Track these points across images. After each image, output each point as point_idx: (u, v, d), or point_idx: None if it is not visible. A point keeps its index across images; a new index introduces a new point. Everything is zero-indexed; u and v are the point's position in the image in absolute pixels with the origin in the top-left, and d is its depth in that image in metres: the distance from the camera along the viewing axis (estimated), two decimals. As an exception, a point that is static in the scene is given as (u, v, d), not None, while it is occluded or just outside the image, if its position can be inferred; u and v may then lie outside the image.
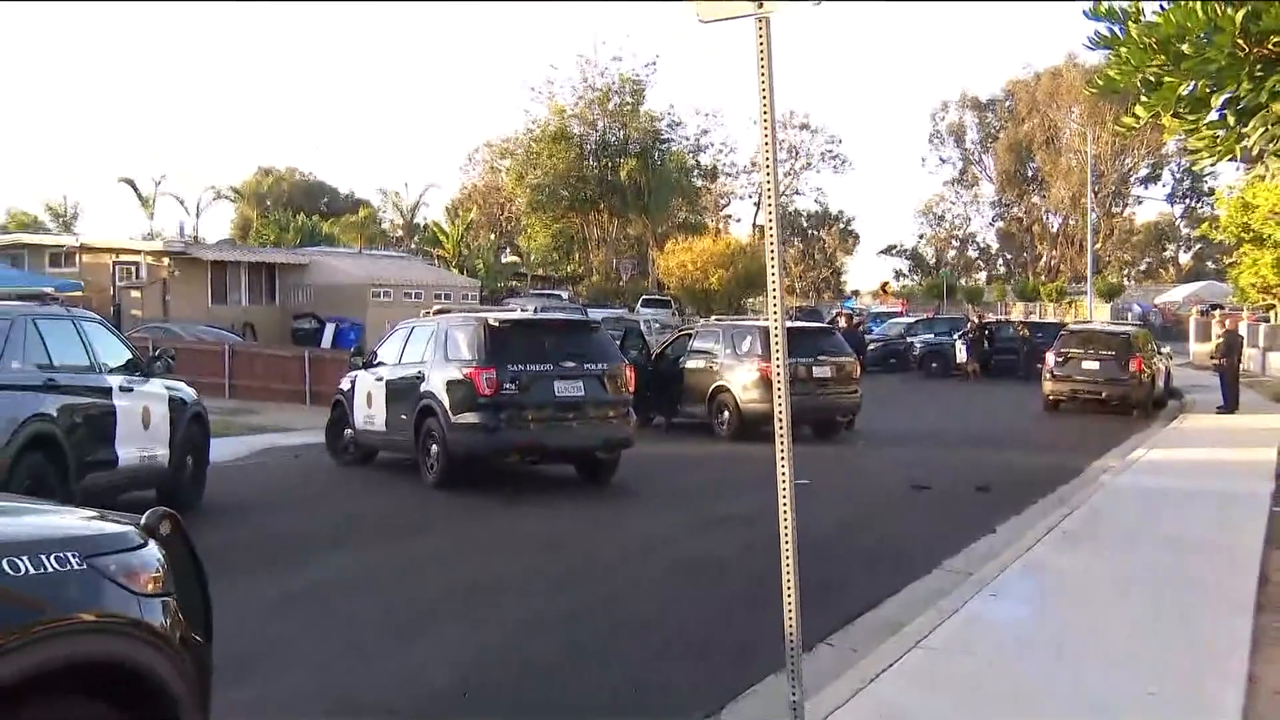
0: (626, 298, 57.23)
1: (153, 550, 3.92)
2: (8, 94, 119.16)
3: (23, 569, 3.37)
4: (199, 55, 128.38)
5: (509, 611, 8.70)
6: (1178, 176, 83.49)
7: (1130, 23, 5.75)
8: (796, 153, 79.30)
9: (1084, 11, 5.81)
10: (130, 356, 12.67)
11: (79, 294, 28.59)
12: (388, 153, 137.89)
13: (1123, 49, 5.71)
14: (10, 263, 37.43)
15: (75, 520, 3.99)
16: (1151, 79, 5.69)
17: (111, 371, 12.00)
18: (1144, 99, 5.86)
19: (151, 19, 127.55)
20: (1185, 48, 5.40)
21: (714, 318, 32.20)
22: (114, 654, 3.66)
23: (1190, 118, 5.94)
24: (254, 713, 5.87)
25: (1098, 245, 72.35)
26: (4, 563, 3.34)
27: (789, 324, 5.12)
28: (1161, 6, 5.64)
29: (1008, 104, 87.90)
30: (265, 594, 8.74)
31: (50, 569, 3.46)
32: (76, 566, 3.55)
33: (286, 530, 11.89)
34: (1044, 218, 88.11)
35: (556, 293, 55.52)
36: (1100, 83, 6.17)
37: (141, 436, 12.15)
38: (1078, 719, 5.86)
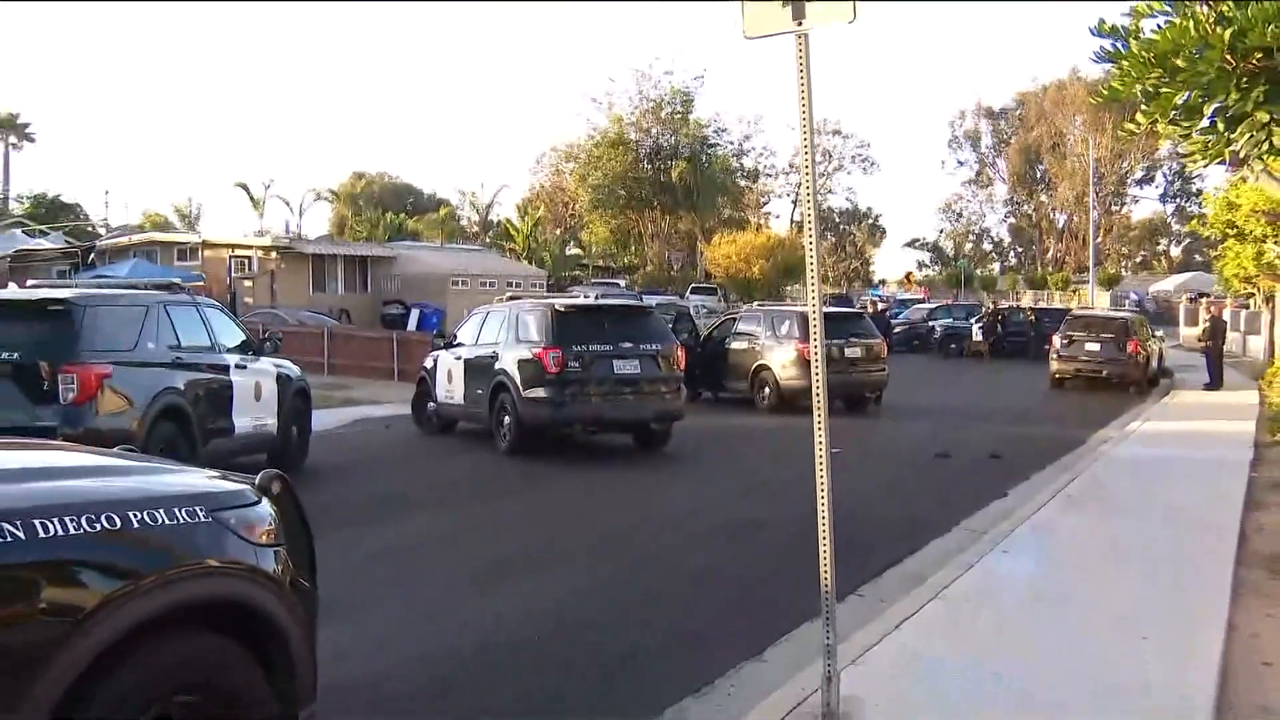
0: (677, 286, 57.08)
1: (266, 506, 4.00)
2: (144, 112, 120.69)
3: (160, 520, 3.48)
4: (304, 72, 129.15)
5: (574, 564, 8.76)
6: (1169, 178, 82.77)
7: (1131, 39, 5.73)
8: (830, 156, 78.58)
9: (1090, 29, 5.80)
10: (244, 338, 12.84)
11: (201, 284, 28.89)
12: (465, 157, 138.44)
13: (1124, 62, 5.69)
14: (145, 257, 38.04)
15: (202, 479, 4.09)
16: (1150, 89, 5.67)
17: (228, 351, 12.17)
18: (1144, 108, 5.85)
19: (265, 39, 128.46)
20: (1180, 61, 5.39)
21: (755, 303, 32.07)
22: (235, 594, 3.75)
23: (1184, 124, 5.91)
24: (353, 648, 5.94)
25: (1099, 240, 71.42)
26: (145, 514, 3.45)
27: (824, 309, 5.14)
28: (1159, 25, 5.62)
29: (1018, 113, 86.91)
30: (360, 546, 8.83)
31: (182, 520, 3.55)
32: (204, 519, 3.65)
33: (378, 490, 12.00)
34: (1051, 215, 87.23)
35: (615, 281, 55.48)
36: (1104, 93, 6.14)
37: (254, 408, 12.30)
38: (1079, 660, 5.85)
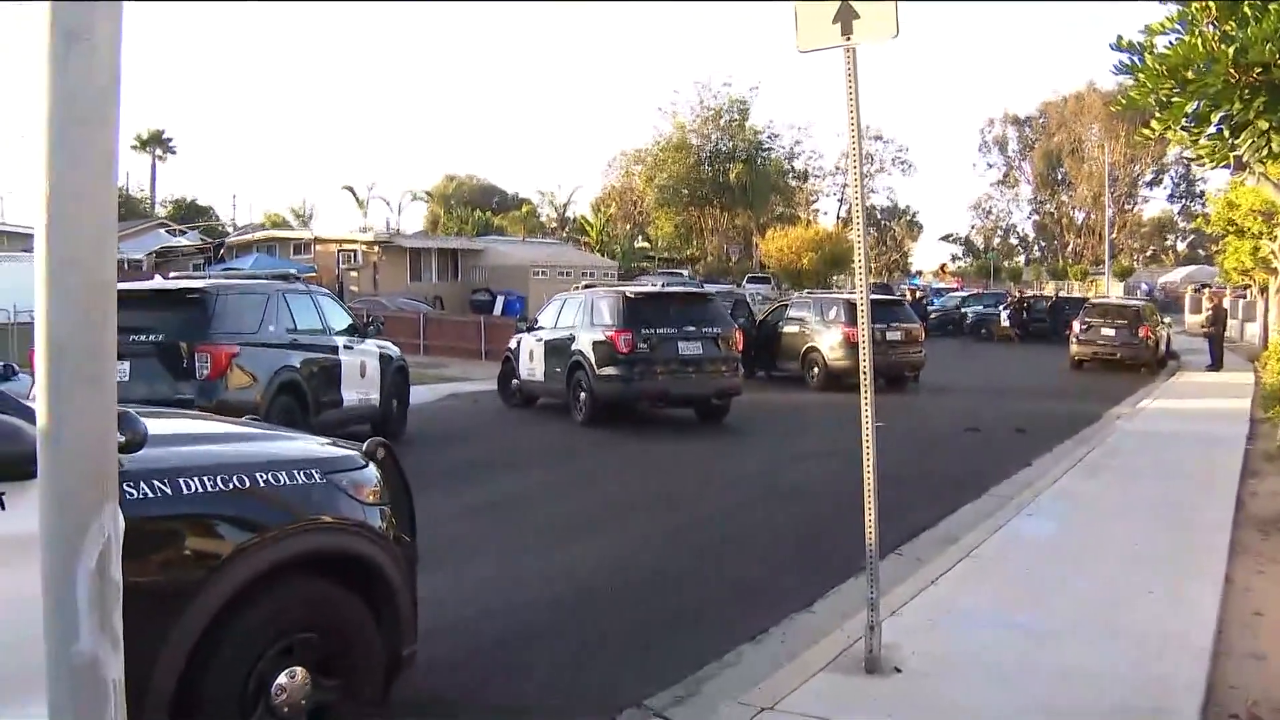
0: (735, 275, 56.78)
1: (372, 470, 4.08)
2: (266, 124, 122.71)
3: (282, 480, 3.57)
4: (403, 85, 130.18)
5: (642, 522, 8.81)
6: (1176, 181, 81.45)
7: (1146, 53, 5.68)
8: (871, 159, 77.60)
9: (1110, 45, 5.74)
10: (351, 322, 13.01)
11: (313, 275, 29.36)
12: (545, 161, 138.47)
13: (1140, 74, 5.64)
14: (266, 252, 38.75)
15: (317, 446, 4.17)
16: (1163, 99, 5.62)
17: (338, 334, 12.35)
18: (1157, 115, 5.80)
19: (370, 55, 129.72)
20: (1189, 74, 5.37)
21: (806, 292, 31.84)
22: (347, 547, 3.84)
23: (1194, 131, 5.90)
24: (448, 596, 6.02)
25: (1113, 235, 70.01)
26: (270, 475, 3.54)
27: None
28: (1170, 41, 5.58)
29: (1041, 120, 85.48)
30: (454, 504, 8.93)
31: (301, 481, 3.64)
32: (319, 480, 3.73)
33: (469, 456, 12.12)
34: (1071, 213, 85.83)
35: (679, 271, 55.24)
36: (1122, 102, 6.09)
37: (359, 383, 12.48)
38: (1093, 609, 5.83)
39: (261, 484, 3.48)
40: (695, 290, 21.33)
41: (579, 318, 15.33)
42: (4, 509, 2.79)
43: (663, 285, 21.77)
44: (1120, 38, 5.78)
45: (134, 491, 3.04)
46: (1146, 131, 6.20)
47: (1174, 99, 5.56)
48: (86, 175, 1.59)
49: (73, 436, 1.62)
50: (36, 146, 1.59)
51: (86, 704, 1.65)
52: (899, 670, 4.87)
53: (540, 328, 16.50)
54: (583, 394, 14.69)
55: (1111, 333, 25.96)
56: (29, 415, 2.83)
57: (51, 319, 1.60)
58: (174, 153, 69.09)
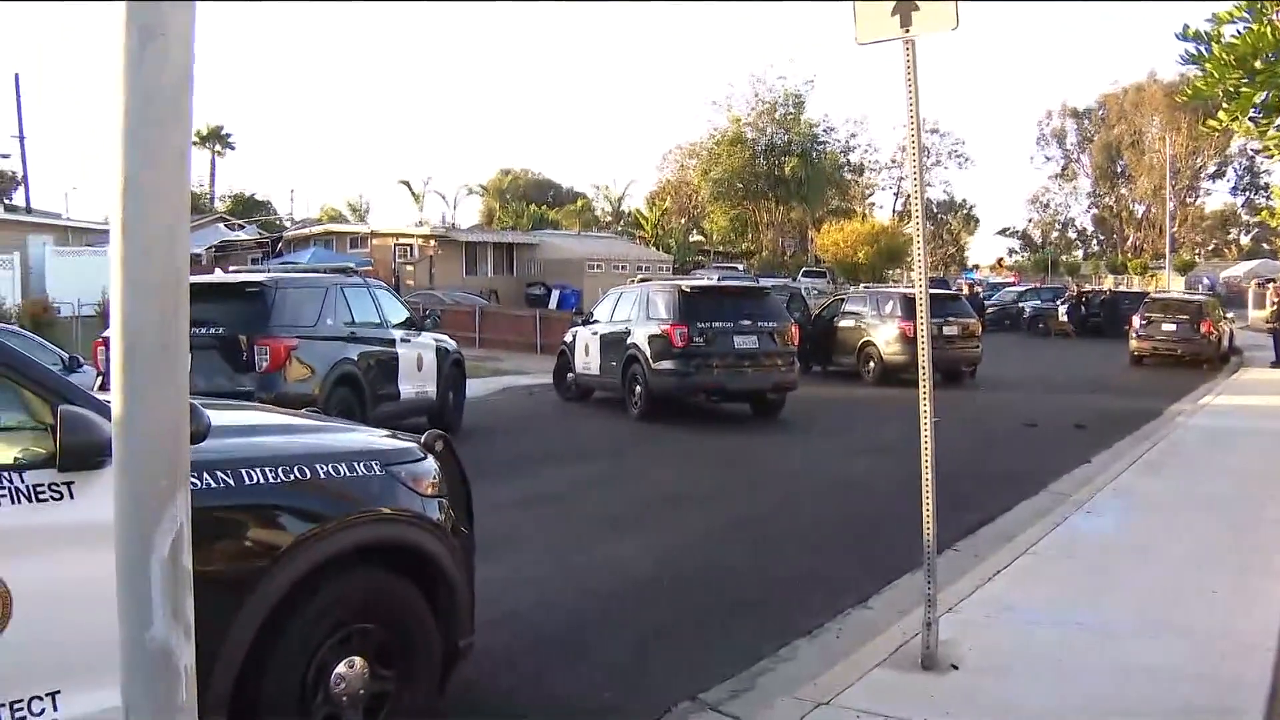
0: (790, 269, 56.56)
1: (430, 462, 4.11)
2: (323, 119, 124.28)
3: (342, 472, 3.61)
4: (458, 79, 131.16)
5: (697, 515, 8.80)
6: (1239, 173, 79.68)
7: (1213, 43, 5.56)
8: (928, 152, 76.77)
9: (1176, 34, 5.64)
10: (407, 315, 13.14)
11: (370, 268, 29.58)
12: (600, 155, 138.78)
13: (1208, 64, 5.53)
14: (323, 246, 39.24)
15: (376, 438, 4.22)
16: (1231, 89, 5.51)
17: (395, 327, 12.46)
18: (1225, 106, 5.68)
19: (426, 50, 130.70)
20: (1258, 64, 5.25)
21: (861, 286, 31.66)
22: (405, 538, 3.88)
23: (1262, 122, 5.76)
24: (504, 586, 6.07)
25: (1174, 229, 68.64)
26: (330, 467, 3.59)
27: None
28: (1239, 30, 5.45)
29: (1100, 113, 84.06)
30: (509, 496, 8.98)
31: (360, 473, 3.69)
32: (378, 472, 3.78)
33: (525, 448, 12.19)
34: (1130, 206, 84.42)
35: (734, 265, 55.18)
36: (1189, 93, 5.96)
37: (416, 376, 12.58)
38: (1154, 609, 5.74)
39: (322, 476, 3.53)
40: (751, 284, 21.27)
41: (634, 312, 15.35)
42: (72, 498, 2.86)
43: (718, 279, 21.73)
44: (1187, 27, 5.68)
45: (197, 482, 3.09)
46: (1213, 123, 6.07)
47: (1242, 89, 5.46)
48: (160, 170, 1.63)
49: (147, 426, 1.66)
50: (110, 142, 1.63)
51: (160, 689, 1.69)
52: (956, 667, 4.84)
53: (595, 321, 16.55)
54: (638, 388, 14.71)
55: (1172, 328, 25.55)
56: (98, 407, 2.91)
57: (126, 311, 1.64)
58: (232, 148, 70.25)
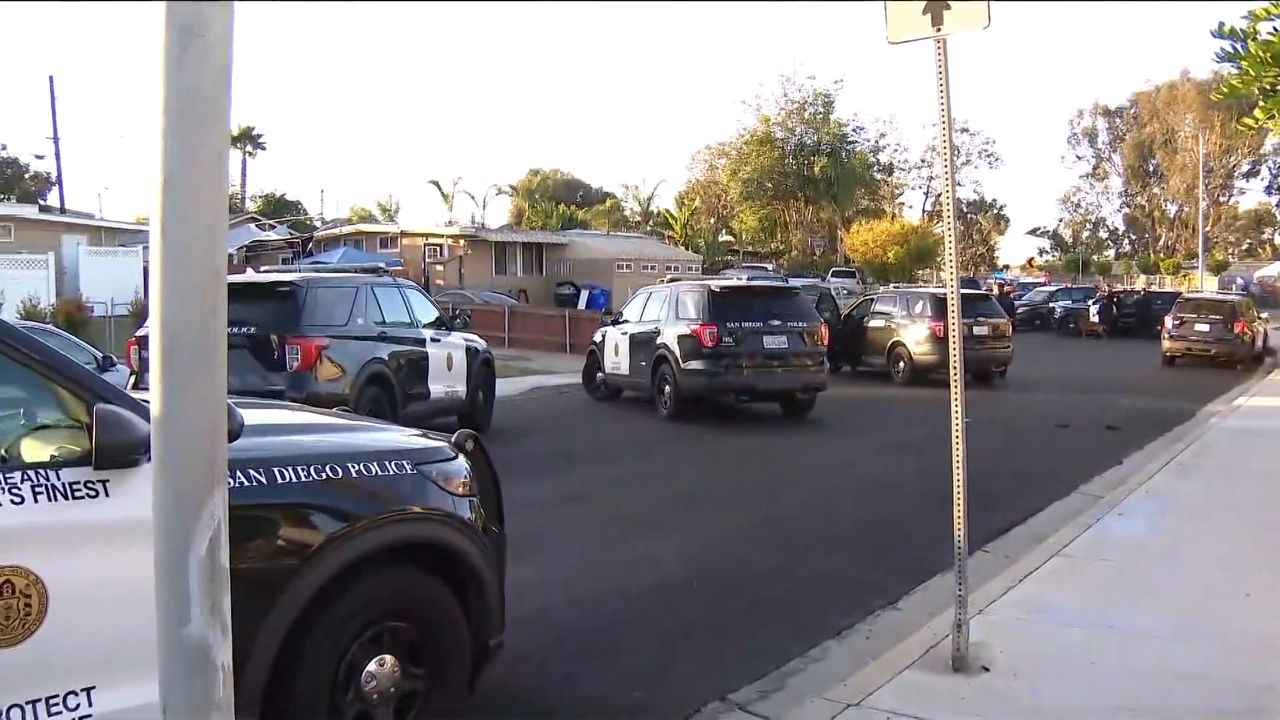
0: (819, 269, 56.35)
1: (461, 461, 4.12)
2: (353, 119, 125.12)
3: (374, 471, 3.63)
4: (487, 80, 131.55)
5: (726, 515, 8.79)
6: (1274, 171, 78.64)
7: (1250, 40, 5.48)
8: (959, 152, 76.31)
9: (1211, 31, 5.57)
10: (437, 315, 13.19)
11: (400, 268, 29.72)
12: (629, 155, 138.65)
13: (1243, 62, 5.46)
14: (354, 246, 39.52)
15: (407, 437, 4.23)
16: (1268, 87, 5.43)
17: (424, 326, 12.52)
18: (1261, 104, 5.61)
19: (456, 50, 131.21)
20: None
21: (891, 286, 31.52)
22: (436, 537, 3.90)
23: None
24: (535, 585, 6.08)
25: (1207, 228, 67.75)
26: (361, 466, 3.61)
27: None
28: (1276, 27, 5.38)
29: (1132, 111, 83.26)
30: (540, 495, 9.00)
31: (391, 472, 3.70)
32: (409, 471, 3.79)
33: (555, 448, 12.21)
34: (1163, 205, 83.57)
35: (763, 265, 55.02)
36: (1224, 90, 5.89)
37: (446, 376, 12.63)
38: (1186, 611, 5.68)
39: (354, 474, 3.55)
40: (780, 284, 21.22)
41: (664, 311, 15.35)
42: (107, 495, 2.90)
43: (748, 279, 21.67)
44: (1222, 24, 5.62)
45: (230, 480, 3.12)
46: (1249, 121, 6.01)
47: (1279, 87, 5.38)
48: (199, 170, 1.65)
49: (186, 424, 1.68)
50: (149, 142, 1.65)
51: (197, 685, 1.71)
52: (986, 669, 4.81)
53: (625, 321, 16.57)
54: (667, 387, 14.71)
55: (1205, 328, 25.29)
56: (133, 405, 2.94)
57: (165, 310, 1.66)
58: (263, 148, 70.80)
